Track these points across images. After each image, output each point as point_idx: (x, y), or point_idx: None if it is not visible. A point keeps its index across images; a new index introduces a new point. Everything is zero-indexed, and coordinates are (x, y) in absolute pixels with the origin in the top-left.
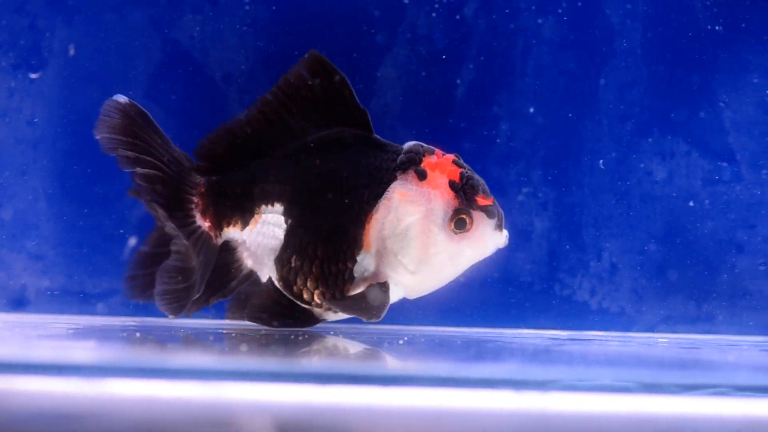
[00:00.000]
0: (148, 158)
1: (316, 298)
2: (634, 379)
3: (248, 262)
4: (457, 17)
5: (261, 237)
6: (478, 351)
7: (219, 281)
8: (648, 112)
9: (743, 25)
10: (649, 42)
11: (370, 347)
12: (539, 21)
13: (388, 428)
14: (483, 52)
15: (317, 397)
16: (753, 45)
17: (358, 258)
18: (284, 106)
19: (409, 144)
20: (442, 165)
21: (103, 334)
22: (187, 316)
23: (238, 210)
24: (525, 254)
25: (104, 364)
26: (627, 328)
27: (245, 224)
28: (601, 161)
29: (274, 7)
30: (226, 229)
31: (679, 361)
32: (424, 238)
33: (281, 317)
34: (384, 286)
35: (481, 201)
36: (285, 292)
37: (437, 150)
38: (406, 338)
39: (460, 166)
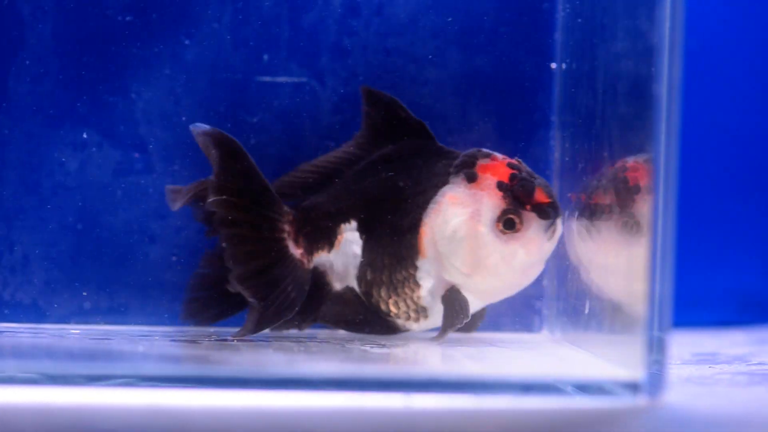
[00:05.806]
0: (235, 185)
1: (391, 307)
2: (40, 370)
3: (336, 285)
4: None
5: (344, 257)
6: None
7: (311, 306)
8: (58, 105)
9: (154, 16)
10: (59, 35)
11: None
12: None
13: None
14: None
15: None
16: (163, 36)
17: (418, 264)
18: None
19: (470, 149)
20: (494, 167)
21: None
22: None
23: (324, 233)
24: None
25: None
26: (39, 320)
27: (331, 247)
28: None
29: None
30: (316, 254)
31: (89, 353)
32: (472, 240)
33: (358, 324)
34: (453, 290)
35: (535, 200)
36: (370, 307)
37: (495, 154)
38: None
39: (513, 168)
